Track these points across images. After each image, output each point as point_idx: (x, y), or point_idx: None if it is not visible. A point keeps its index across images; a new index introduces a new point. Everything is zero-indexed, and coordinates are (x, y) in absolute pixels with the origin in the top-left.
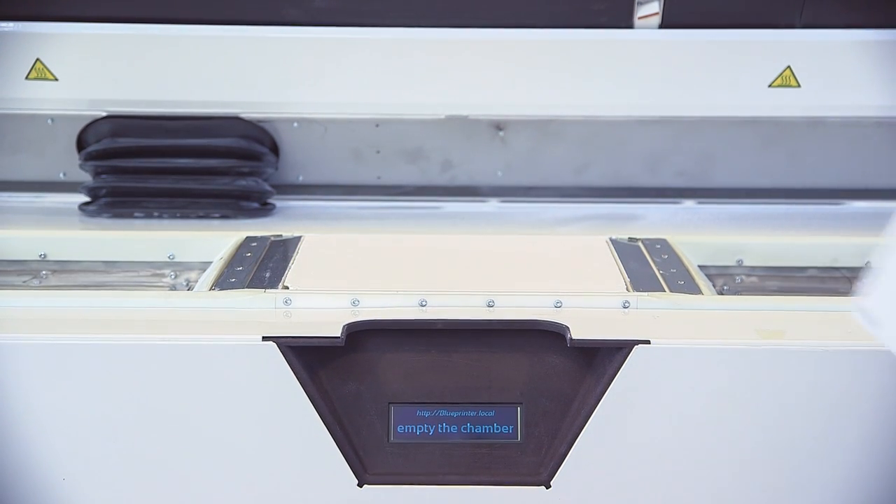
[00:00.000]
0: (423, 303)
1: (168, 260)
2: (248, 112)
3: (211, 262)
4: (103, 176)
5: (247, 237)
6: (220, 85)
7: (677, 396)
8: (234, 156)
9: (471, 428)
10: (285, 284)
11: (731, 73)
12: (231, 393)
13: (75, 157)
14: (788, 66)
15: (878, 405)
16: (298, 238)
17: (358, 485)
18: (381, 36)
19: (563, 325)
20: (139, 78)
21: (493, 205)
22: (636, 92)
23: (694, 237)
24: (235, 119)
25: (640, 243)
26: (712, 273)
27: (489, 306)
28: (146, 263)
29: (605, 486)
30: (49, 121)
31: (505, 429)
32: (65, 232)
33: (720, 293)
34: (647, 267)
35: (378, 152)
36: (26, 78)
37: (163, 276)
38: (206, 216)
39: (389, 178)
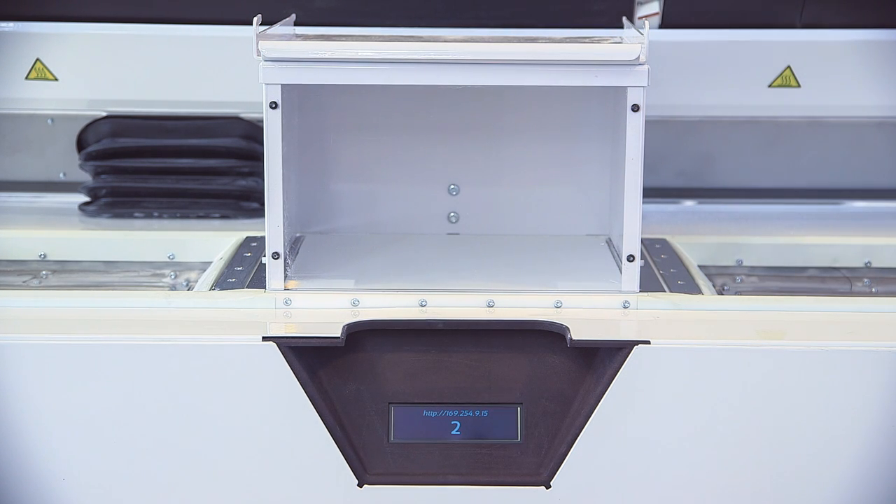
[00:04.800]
0: (423, 303)
1: (168, 260)
2: (248, 112)
3: (211, 262)
4: (103, 176)
5: (247, 237)
6: (220, 85)
7: (677, 396)
8: (234, 156)
9: (471, 428)
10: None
11: (731, 73)
12: (231, 393)
13: (75, 157)
14: (788, 66)
15: (878, 405)
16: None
17: (358, 485)
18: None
19: (563, 325)
20: (139, 78)
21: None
22: None
23: (694, 237)
24: (235, 119)
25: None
26: (712, 273)
27: (489, 306)
28: (146, 263)
29: (605, 486)
30: (49, 121)
31: (505, 429)
32: (65, 232)
33: (720, 293)
34: (647, 267)
35: None
36: (26, 78)
37: (163, 276)
38: (206, 216)
39: None
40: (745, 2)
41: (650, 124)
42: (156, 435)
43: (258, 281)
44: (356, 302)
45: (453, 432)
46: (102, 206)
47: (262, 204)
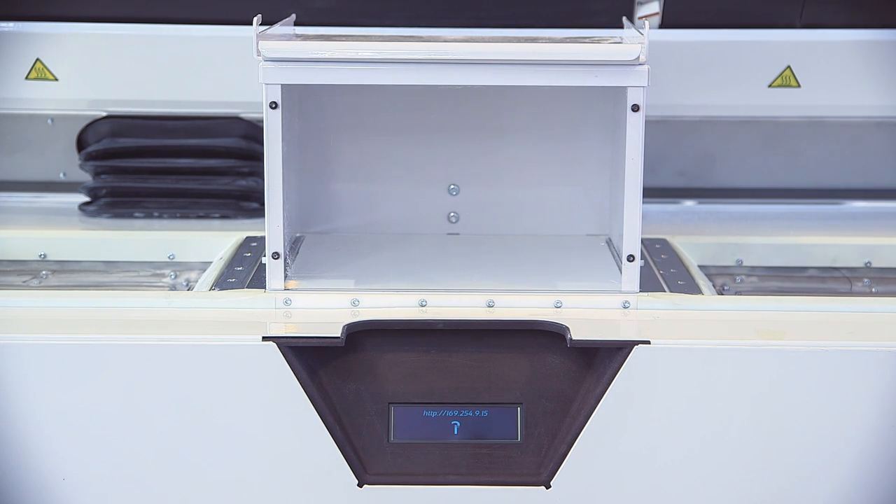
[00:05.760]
0: (423, 303)
1: (168, 260)
2: (248, 112)
3: (211, 262)
4: (103, 176)
5: (247, 237)
6: (220, 85)
7: (677, 396)
8: (234, 156)
9: (471, 428)
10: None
11: (731, 73)
12: (231, 393)
13: (75, 157)
14: (788, 66)
15: (878, 405)
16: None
17: (358, 485)
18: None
19: (563, 325)
20: (139, 78)
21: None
22: None
23: (694, 237)
24: (235, 119)
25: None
26: (712, 273)
27: (489, 306)
28: (146, 263)
29: (605, 486)
30: (49, 121)
31: (505, 429)
32: (65, 232)
33: (720, 293)
34: (648, 267)
35: None
36: (26, 78)
37: (163, 276)
38: (206, 216)
39: None
40: (745, 2)
41: (650, 124)
42: (156, 435)
43: (258, 281)
44: (356, 302)
45: (453, 432)
46: (102, 206)
47: (262, 204)
